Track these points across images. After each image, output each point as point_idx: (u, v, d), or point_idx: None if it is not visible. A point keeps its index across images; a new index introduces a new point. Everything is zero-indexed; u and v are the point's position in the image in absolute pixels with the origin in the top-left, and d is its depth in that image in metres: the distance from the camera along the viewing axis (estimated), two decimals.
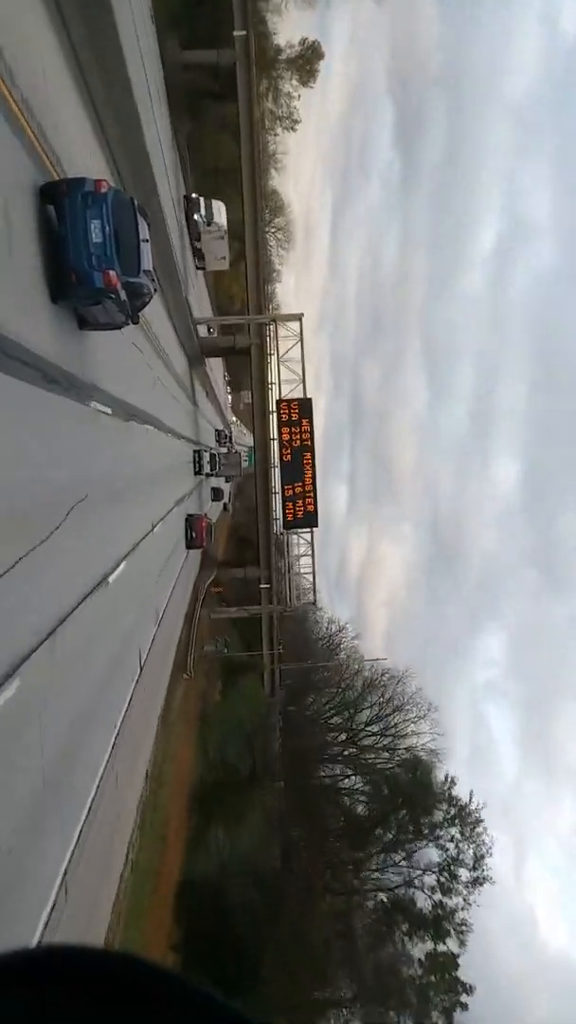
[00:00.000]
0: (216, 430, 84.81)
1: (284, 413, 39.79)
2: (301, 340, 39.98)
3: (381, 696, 70.20)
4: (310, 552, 42.28)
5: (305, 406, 40.02)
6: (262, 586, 48.00)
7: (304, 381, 40.35)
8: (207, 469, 48.89)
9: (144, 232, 11.22)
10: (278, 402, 40.26)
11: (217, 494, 72.28)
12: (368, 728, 69.33)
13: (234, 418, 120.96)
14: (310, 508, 39.97)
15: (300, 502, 39.75)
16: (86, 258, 9.98)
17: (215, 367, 74.69)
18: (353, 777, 55.04)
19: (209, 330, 45.64)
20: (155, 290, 13.92)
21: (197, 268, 39.82)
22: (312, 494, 39.89)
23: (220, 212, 36.18)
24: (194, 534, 33.87)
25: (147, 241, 11.34)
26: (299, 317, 40.02)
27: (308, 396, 40.44)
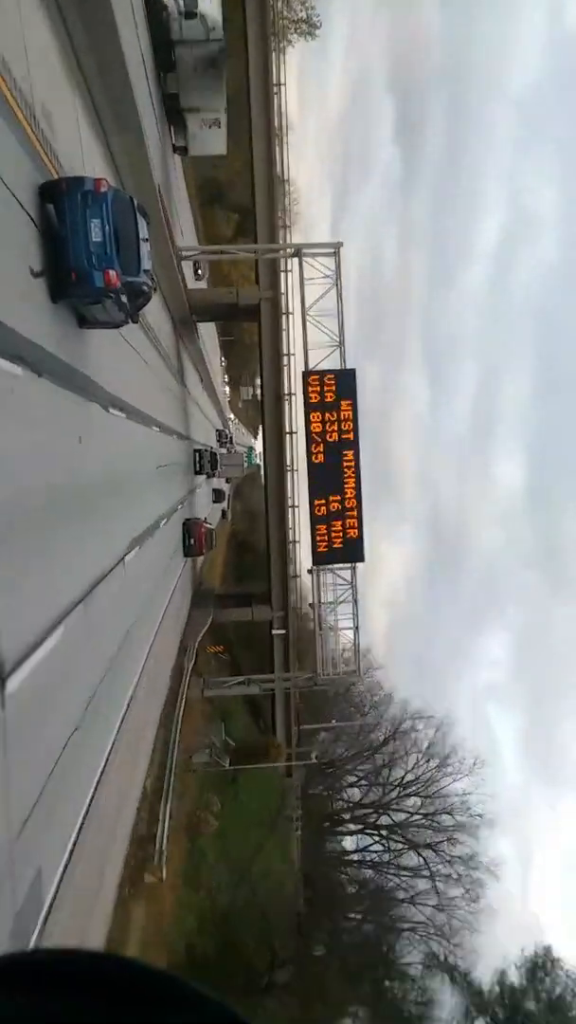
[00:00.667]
0: (216, 430, 77.40)
1: (314, 391, 26.55)
2: (338, 283, 26.78)
3: (415, 745, 58.65)
4: (351, 598, 28.81)
5: (346, 381, 26.73)
6: (275, 632, 35.04)
7: (343, 344, 27.16)
8: (208, 469, 41.79)
9: (144, 231, 11.21)
10: (306, 375, 26.98)
11: (219, 495, 66.59)
12: (406, 788, 57.47)
13: (232, 415, 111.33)
14: (352, 533, 26.73)
15: (339, 524, 26.52)
16: (86, 257, 9.97)
17: (210, 347, 62.00)
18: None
19: (197, 271, 32.47)
20: (154, 289, 14.31)
21: (175, 150, 25.42)
22: (356, 512, 26.66)
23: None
24: (192, 540, 30.26)
25: (147, 240, 11.33)
26: (336, 248, 26.79)
27: (350, 367, 27.15)
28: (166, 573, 23.76)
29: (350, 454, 26.38)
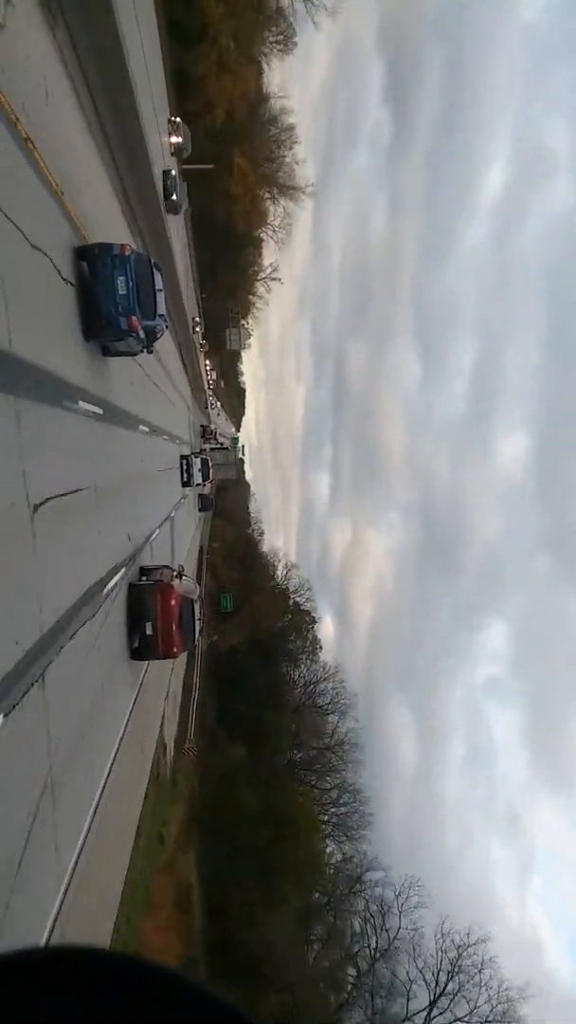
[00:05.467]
0: (201, 425, 72.58)
1: None
2: None
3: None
4: None
5: None
6: None
7: None
8: (198, 479, 36.08)
9: (159, 283, 13.83)
10: None
11: (205, 503, 58.41)
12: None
13: (210, 383, 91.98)
14: None
15: None
16: (113, 307, 12.54)
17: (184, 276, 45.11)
18: None
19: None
20: (167, 327, 17.92)
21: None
22: None
23: None
24: (152, 625, 15.88)
25: (161, 291, 13.93)
26: None
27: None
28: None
29: None
